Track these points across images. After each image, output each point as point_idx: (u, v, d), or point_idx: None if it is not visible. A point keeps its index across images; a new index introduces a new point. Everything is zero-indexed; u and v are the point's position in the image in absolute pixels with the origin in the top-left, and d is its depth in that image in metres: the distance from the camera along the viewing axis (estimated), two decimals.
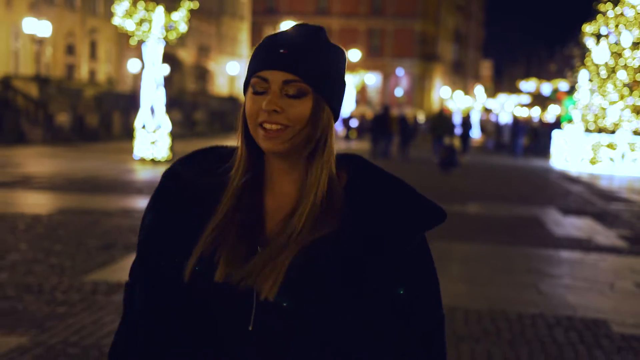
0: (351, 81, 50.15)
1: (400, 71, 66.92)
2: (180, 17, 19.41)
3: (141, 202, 11.59)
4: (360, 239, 1.32)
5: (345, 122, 46.77)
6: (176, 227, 1.37)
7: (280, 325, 1.30)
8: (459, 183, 17.40)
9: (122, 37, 43.84)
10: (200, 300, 1.33)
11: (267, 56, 1.31)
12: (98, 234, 8.58)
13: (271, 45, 1.32)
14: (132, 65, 43.92)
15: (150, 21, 19.15)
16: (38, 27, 31.87)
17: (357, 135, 42.86)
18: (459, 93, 77.43)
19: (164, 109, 20.17)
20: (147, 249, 1.40)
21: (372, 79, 64.27)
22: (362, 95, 61.73)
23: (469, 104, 76.85)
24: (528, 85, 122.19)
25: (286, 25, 42.47)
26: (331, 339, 1.31)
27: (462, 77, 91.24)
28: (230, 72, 57.96)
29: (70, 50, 39.03)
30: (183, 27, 19.72)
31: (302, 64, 1.30)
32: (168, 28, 19.20)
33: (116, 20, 19.53)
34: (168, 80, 41.27)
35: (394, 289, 1.35)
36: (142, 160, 19.47)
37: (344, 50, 1.38)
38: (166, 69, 42.06)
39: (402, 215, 1.36)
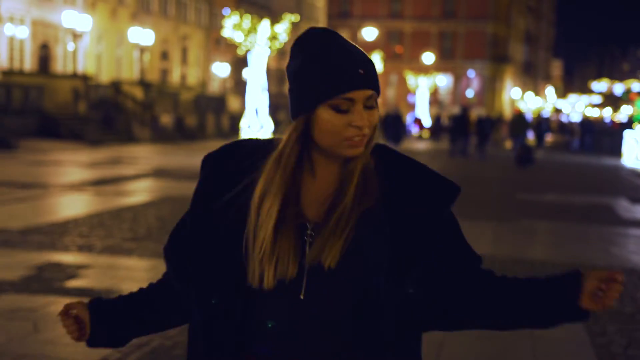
0: (425, 83, 51.82)
1: (471, 73, 68.27)
2: (283, 29, 21.79)
3: None
4: (397, 210, 1.49)
5: (418, 122, 48.54)
6: (220, 216, 1.50)
7: (330, 291, 1.46)
8: (536, 177, 19.22)
9: (210, 42, 46.83)
10: (255, 280, 1.47)
11: (349, 77, 1.43)
12: None
13: (348, 65, 1.44)
14: (218, 69, 46.82)
15: (256, 33, 21.58)
16: (142, 35, 34.91)
17: (430, 136, 44.61)
18: (530, 94, 78.14)
19: (267, 110, 22.59)
20: (192, 215, 1.54)
21: (444, 81, 65.80)
22: (434, 96, 63.28)
23: (539, 104, 77.47)
24: (600, 85, 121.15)
25: (367, 31, 44.50)
26: (375, 300, 1.46)
27: (532, 77, 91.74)
28: None
29: (165, 55, 42.12)
30: (284, 38, 22.09)
31: (374, 78, 1.46)
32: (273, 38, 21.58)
33: (226, 32, 22.02)
34: None
35: (430, 255, 1.51)
36: None
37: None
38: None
39: (429, 189, 1.53)
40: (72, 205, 11.09)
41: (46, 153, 21.16)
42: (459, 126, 27.08)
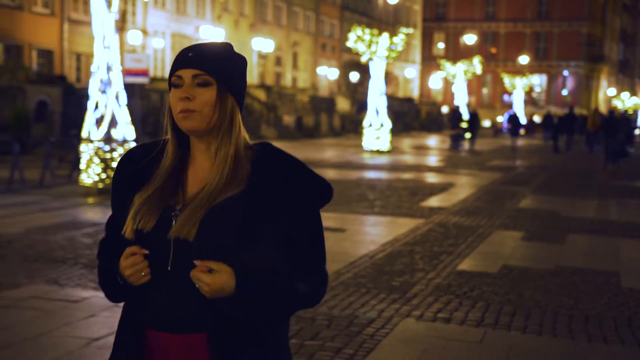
0: (519, 84, 53.86)
1: (566, 73, 69.64)
2: (400, 40, 24.97)
3: (373, 174, 17.18)
4: (261, 199, 1.69)
5: (512, 119, 50.73)
6: (125, 196, 1.79)
7: (192, 262, 1.65)
8: (627, 168, 21.71)
9: (317, 48, 50.49)
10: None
11: (180, 60, 1.73)
12: (371, 188, 14.23)
13: (183, 52, 1.74)
14: (324, 72, 50.43)
15: (377, 43, 24.85)
16: (262, 43, 38.78)
17: (525, 133, 46.83)
18: (626, 93, 78.52)
19: (385, 111, 25.84)
20: (112, 212, 1.85)
21: (538, 81, 67.43)
22: (528, 96, 65.07)
23: (635, 102, 77.72)
24: None
25: (466, 37, 46.82)
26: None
27: (629, 76, 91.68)
28: (407, 75, 63.30)
29: (278, 61, 46.02)
30: (400, 48, 25.28)
31: (205, 61, 1.70)
32: (390, 49, 24.82)
33: (350, 43, 25.39)
34: (360, 86, 47.29)
35: (284, 247, 1.70)
36: (370, 150, 25.25)
37: (245, 58, 1.82)
38: (355, 76, 48.16)
39: (297, 185, 1.72)
40: None
41: None
42: (564, 125, 29.53)
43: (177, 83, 1.71)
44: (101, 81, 11.94)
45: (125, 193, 1.78)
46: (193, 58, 1.70)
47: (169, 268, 1.68)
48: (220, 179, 1.69)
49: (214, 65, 1.70)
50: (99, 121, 12.05)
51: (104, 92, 11.95)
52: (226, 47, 1.76)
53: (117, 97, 12.01)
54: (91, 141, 12.06)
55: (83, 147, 12.18)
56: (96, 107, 12.01)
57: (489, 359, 4.73)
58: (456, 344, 4.99)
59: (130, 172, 1.80)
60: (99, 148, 12.02)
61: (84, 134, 12.17)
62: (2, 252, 7.52)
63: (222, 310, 1.64)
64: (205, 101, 1.69)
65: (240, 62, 1.77)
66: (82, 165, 12.22)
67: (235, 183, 1.70)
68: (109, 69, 11.91)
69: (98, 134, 12.02)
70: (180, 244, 1.66)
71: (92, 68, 12.12)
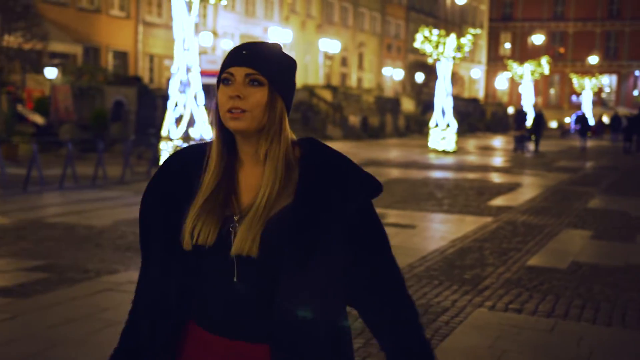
0: (588, 84, 52.93)
1: (637, 73, 68.01)
2: (467, 41, 25.03)
3: (440, 173, 17.32)
4: (313, 205, 1.63)
5: (581, 119, 49.96)
6: (168, 201, 1.71)
7: (257, 274, 1.64)
8: None
9: (382, 49, 50.69)
10: (194, 261, 1.68)
11: (233, 57, 1.66)
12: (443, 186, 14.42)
13: (236, 49, 1.68)
14: (389, 73, 50.58)
15: (444, 44, 24.97)
16: (329, 44, 39.23)
17: (592, 134, 46.04)
18: None
19: (452, 112, 25.94)
20: (145, 219, 1.75)
21: (607, 81, 66.05)
22: (597, 96, 63.83)
23: None
24: None
25: (534, 37, 46.22)
26: (294, 285, 1.61)
27: None
28: (473, 76, 62.93)
29: (344, 62, 46.41)
30: (468, 49, 25.33)
31: (259, 61, 1.64)
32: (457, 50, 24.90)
33: (417, 44, 25.57)
34: (425, 86, 47.29)
35: (346, 248, 1.65)
36: (435, 151, 25.38)
37: (296, 60, 1.73)
38: (421, 77, 48.17)
39: (346, 185, 1.66)
40: None
41: None
42: (634, 125, 29.08)
43: (227, 79, 1.64)
44: (180, 82, 12.51)
45: (167, 203, 1.71)
46: (247, 56, 1.64)
47: (235, 279, 1.64)
48: (272, 189, 1.63)
49: (268, 66, 1.64)
50: (178, 120, 12.62)
51: (183, 92, 12.51)
52: (278, 48, 1.70)
53: (195, 98, 12.56)
54: (170, 139, 12.64)
55: (162, 145, 12.77)
56: (175, 106, 12.59)
57: (560, 347, 4.98)
58: (528, 332, 5.25)
59: (175, 179, 1.73)
60: (177, 146, 12.59)
61: (163, 132, 12.76)
62: (96, 242, 8.09)
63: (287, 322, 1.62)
64: (256, 102, 1.62)
65: (291, 65, 1.70)
66: (161, 163, 12.81)
67: (287, 191, 1.64)
68: (187, 70, 12.47)
69: (177, 132, 12.60)
70: (243, 258, 1.62)
71: (172, 69, 12.72)
